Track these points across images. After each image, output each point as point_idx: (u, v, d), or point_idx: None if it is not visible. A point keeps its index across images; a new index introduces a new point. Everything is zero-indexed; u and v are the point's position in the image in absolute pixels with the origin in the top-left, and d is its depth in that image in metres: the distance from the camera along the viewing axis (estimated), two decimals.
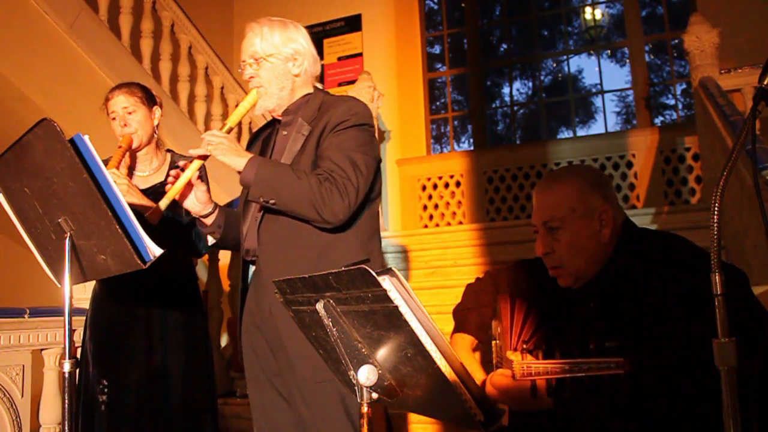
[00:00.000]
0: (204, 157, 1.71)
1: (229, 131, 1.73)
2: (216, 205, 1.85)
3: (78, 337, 2.35)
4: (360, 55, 6.65)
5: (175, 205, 1.78)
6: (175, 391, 2.15)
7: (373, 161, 1.72)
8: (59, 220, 1.46)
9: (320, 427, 1.63)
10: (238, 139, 5.49)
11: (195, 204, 1.80)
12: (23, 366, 2.53)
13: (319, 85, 1.88)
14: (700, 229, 3.61)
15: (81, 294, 2.69)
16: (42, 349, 2.60)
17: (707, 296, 0.99)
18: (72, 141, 1.37)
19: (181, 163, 1.75)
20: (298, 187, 1.61)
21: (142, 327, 2.15)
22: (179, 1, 5.22)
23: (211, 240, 1.91)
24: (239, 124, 1.84)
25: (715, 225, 0.99)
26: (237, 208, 1.93)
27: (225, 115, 5.39)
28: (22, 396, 2.51)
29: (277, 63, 1.76)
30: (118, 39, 4.74)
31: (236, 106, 6.19)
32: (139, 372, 2.12)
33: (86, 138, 1.40)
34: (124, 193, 2.02)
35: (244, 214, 1.84)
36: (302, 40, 1.80)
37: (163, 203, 1.72)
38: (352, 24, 6.71)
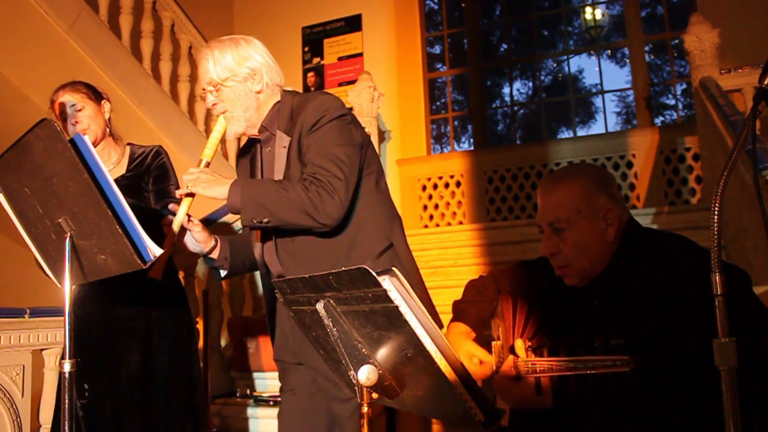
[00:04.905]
0: (190, 195, 1.70)
1: (207, 166, 1.72)
2: (216, 239, 1.84)
3: None
4: (360, 55, 6.65)
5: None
6: (158, 392, 2.09)
7: (354, 147, 1.70)
8: (59, 220, 1.46)
9: None
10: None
11: (195, 245, 1.80)
12: (23, 366, 2.53)
13: (288, 88, 1.85)
14: (700, 229, 3.61)
15: None
16: (42, 349, 2.60)
17: (710, 295, 0.99)
18: (72, 141, 1.37)
19: (171, 206, 1.74)
20: (286, 199, 1.60)
21: (123, 328, 2.09)
22: (179, 1, 5.22)
23: (223, 272, 1.89)
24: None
25: (715, 225, 0.98)
26: (219, 217, 1.92)
27: None
28: (22, 396, 2.51)
29: (235, 85, 1.72)
30: (119, 39, 4.74)
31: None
32: (120, 374, 2.06)
33: (86, 138, 1.40)
34: None
35: (253, 238, 1.83)
36: (256, 55, 1.75)
37: (163, 254, 1.67)
38: (352, 24, 6.71)
